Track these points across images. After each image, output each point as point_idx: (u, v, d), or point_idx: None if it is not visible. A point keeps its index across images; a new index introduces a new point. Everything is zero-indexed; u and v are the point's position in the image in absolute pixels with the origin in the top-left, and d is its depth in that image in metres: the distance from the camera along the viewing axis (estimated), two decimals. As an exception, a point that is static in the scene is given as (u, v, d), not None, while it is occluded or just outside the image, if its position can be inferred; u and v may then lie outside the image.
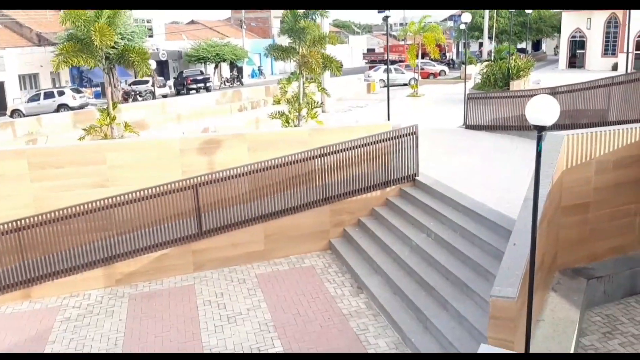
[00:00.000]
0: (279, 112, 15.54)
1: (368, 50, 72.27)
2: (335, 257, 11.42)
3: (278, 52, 15.77)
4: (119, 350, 8.30)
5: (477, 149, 15.28)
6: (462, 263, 8.97)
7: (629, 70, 27.39)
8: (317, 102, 16.26)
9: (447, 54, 60.99)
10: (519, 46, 59.74)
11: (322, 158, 11.55)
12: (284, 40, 16.71)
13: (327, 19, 21.44)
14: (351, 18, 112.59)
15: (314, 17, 15.57)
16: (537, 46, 74.11)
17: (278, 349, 8.11)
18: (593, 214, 9.24)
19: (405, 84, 35.27)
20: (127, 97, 34.25)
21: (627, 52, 30.69)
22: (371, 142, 11.87)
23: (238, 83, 46.58)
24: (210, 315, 9.22)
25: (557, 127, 13.04)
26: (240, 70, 52.22)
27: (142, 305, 9.73)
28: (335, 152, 11.61)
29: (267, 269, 11.01)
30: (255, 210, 11.26)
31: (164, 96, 34.82)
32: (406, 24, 57.18)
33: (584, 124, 13.93)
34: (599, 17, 43.80)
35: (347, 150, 11.68)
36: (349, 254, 11.04)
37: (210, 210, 11.03)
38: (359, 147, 11.78)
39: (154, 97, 33.65)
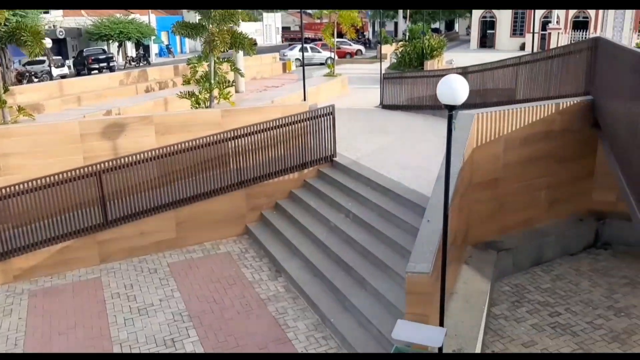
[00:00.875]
0: (188, 92, 15.11)
1: (283, 28, 71.81)
2: (253, 241, 11.40)
3: (186, 30, 15.24)
4: (19, 351, 7.85)
5: (394, 128, 15.73)
6: (380, 242, 9.27)
7: (535, 50, 29.17)
8: (230, 82, 15.96)
9: (365, 33, 61.97)
10: (433, 26, 61.85)
11: (236, 140, 11.43)
12: (194, 17, 16.18)
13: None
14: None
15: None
16: (450, 26, 77.08)
17: (193, 338, 8.01)
18: (502, 189, 9.85)
19: (322, 63, 35.50)
20: (21, 78, 31.96)
21: (533, 33, 32.66)
22: (287, 123, 11.89)
23: (144, 62, 44.74)
24: (119, 309, 8.93)
25: (468, 106, 13.64)
26: (146, 48, 50.17)
27: (44, 302, 9.24)
28: (249, 134, 11.52)
29: (180, 258, 10.79)
30: (165, 196, 10.97)
31: (63, 77, 32.85)
32: (321, 2, 57.35)
33: (494, 102, 14.75)
34: (508, -2, 46.26)
35: (262, 131, 11.63)
36: (266, 238, 11.06)
37: (116, 198, 10.61)
38: (275, 128, 11.76)
39: (51, 78, 31.66)
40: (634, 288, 9.21)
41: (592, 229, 10.72)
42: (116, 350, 7.84)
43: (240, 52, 20.45)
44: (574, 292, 9.10)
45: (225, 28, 15.24)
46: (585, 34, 35.88)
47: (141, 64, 43.57)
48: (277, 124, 11.77)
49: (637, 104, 7.15)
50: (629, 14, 23.69)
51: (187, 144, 11.01)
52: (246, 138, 11.51)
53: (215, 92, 15.56)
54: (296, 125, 11.99)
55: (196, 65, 15.76)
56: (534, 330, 8.05)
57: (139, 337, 8.13)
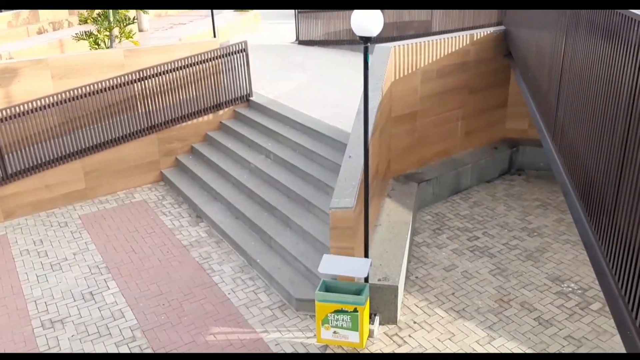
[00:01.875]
0: (85, 32, 14.16)
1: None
2: (170, 188, 11.19)
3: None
4: None
5: (311, 65, 15.66)
6: (302, 180, 9.39)
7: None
8: (131, 19, 15.10)
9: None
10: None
11: (143, 82, 10.96)
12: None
13: None
14: None
15: None
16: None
17: (113, 290, 7.90)
18: (420, 121, 10.18)
19: (231, -1, 34.29)
20: None
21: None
22: (197, 62, 11.52)
23: (32, 0, 41.32)
24: (30, 266, 8.59)
25: (386, 39, 13.85)
26: (32, -16, 46.12)
27: (-60, 267, 8.70)
28: (157, 75, 11.08)
29: (92, 209, 10.44)
30: (69, 145, 10.44)
31: None
32: None
33: (411, 35, 14.97)
34: None
35: (171, 71, 11.22)
36: (184, 184, 10.89)
37: (15, 150, 9.99)
38: (184, 67, 11.37)
39: None
40: (545, 210, 9.99)
41: (506, 156, 11.40)
42: (31, 307, 7.60)
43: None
44: (490, 217, 9.75)
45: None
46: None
47: (28, 2, 40.06)
48: (187, 62, 11.38)
49: (544, 30, 7.53)
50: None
51: (88, 87, 10.44)
52: (154, 79, 11.07)
53: (116, 31, 14.70)
54: (207, 63, 11.65)
55: (92, 1, 14.75)
56: (454, 254, 8.60)
57: (54, 292, 7.90)
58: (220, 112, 12.02)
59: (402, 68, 9.59)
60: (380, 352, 6.60)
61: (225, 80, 11.95)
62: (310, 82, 13.63)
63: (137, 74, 10.90)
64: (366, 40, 6.18)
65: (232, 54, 11.92)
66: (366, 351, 6.58)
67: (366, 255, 6.98)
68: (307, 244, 8.15)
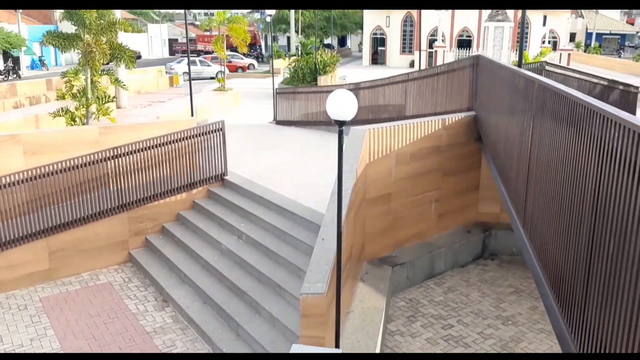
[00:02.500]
0: (62, 108, 14.22)
1: (170, 40, 70.22)
2: (137, 269, 10.87)
3: (58, 40, 14.35)
4: None
5: (288, 145, 15.84)
6: (274, 263, 9.21)
7: (422, 67, 30.84)
8: (110, 97, 15.25)
9: (258, 47, 62.15)
10: (326, 41, 63.45)
11: (116, 159, 10.89)
12: (71, 28, 15.29)
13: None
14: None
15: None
16: (342, 42, 79.53)
17: (69, 382, 7.44)
18: (395, 204, 10.20)
19: (212, 78, 35.06)
20: None
21: (420, 50, 34.58)
22: (173, 140, 11.54)
23: (14, 75, 41.69)
24: (-20, 354, 8.10)
25: (361, 121, 14.14)
26: (16, 60, 46.77)
27: None
28: (131, 153, 11.04)
29: (55, 291, 10.03)
30: (35, 223, 10.17)
31: None
32: (212, 13, 56.81)
33: (386, 118, 15.34)
34: (397, 16, 48.57)
35: (145, 149, 11.19)
36: (152, 265, 10.60)
37: (-23, 228, 9.69)
38: (159, 145, 11.37)
39: None
40: (519, 296, 9.88)
41: (479, 240, 11.40)
42: (-25, 402, 7.08)
43: (123, 65, 19.70)
44: (464, 304, 9.58)
45: (104, 39, 14.59)
46: (469, 52, 38.56)
47: (10, 77, 40.56)
48: (162, 141, 11.39)
49: (513, 117, 7.74)
50: (507, 33, 25.85)
51: (59, 165, 10.32)
52: (127, 157, 11.01)
53: (94, 107, 14.80)
54: (183, 142, 11.68)
55: (72, 78, 14.93)
56: (428, 344, 8.35)
57: (3, 385, 7.41)
58: (194, 191, 11.94)
59: (376, 150, 9.71)
60: None
61: (200, 159, 11.95)
62: (286, 162, 13.71)
63: (111, 151, 10.85)
64: (341, 124, 6.28)
65: (209, 133, 11.99)
66: None
67: (337, 346, 6.72)
68: (276, 331, 7.85)
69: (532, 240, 6.49)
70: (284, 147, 15.55)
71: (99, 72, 15.08)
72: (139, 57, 50.57)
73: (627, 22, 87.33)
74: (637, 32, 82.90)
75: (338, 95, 6.17)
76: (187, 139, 11.71)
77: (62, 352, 8.07)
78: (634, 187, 3.39)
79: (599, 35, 72.77)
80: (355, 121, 9.80)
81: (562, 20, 42.73)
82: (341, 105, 6.14)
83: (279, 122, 20.01)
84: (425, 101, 14.89)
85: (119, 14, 19.69)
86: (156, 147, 11.30)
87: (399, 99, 16.33)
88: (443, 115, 11.52)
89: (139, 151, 11.10)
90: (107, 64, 15.22)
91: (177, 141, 11.58)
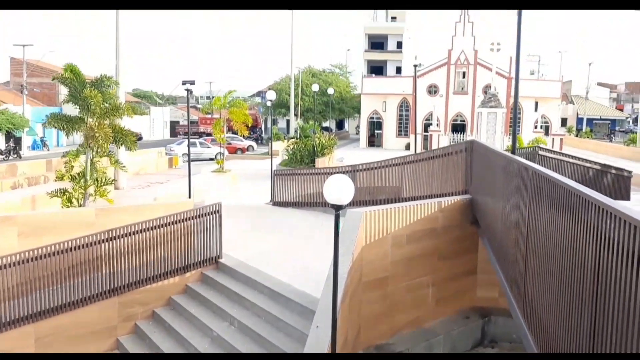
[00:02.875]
0: (60, 190, 14.28)
1: (172, 122, 71.89)
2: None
3: (61, 123, 14.68)
4: None
5: (285, 226, 15.76)
6: (265, 351, 8.88)
7: (418, 150, 31.37)
8: (109, 179, 15.37)
9: (258, 129, 63.52)
10: (324, 124, 64.96)
11: (110, 242, 10.77)
12: (74, 110, 15.68)
13: (123, 88, 20.83)
14: (153, 88, 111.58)
15: (102, 88, 14.96)
16: (340, 125, 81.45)
17: None
18: (392, 287, 10.00)
19: (211, 159, 35.55)
20: None
21: (416, 134, 35.33)
22: (169, 223, 11.47)
23: (15, 155, 42.27)
24: None
25: (358, 203, 14.17)
26: (18, 140, 47.60)
27: None
28: (125, 235, 10.93)
29: (38, 380, 9.61)
30: (23, 308, 9.90)
31: None
32: (213, 97, 58.46)
33: (382, 200, 15.38)
34: (393, 100, 50.04)
35: (140, 232, 11.10)
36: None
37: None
38: (155, 228, 11.28)
39: None
40: (522, 386, 9.47)
41: (478, 327, 11.08)
42: None
43: (123, 147, 20.01)
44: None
45: (107, 122, 14.89)
46: (463, 136, 39.42)
47: (11, 157, 41.11)
48: (158, 223, 11.31)
49: (509, 202, 7.74)
50: (500, 119, 26.54)
51: (51, 247, 10.19)
52: (121, 239, 10.89)
53: (92, 189, 14.87)
54: (179, 224, 11.60)
55: (72, 159, 15.10)
56: None
57: None
58: (187, 274, 11.72)
59: (373, 233, 9.65)
60: None
61: (195, 241, 11.84)
62: (282, 244, 13.58)
63: (105, 234, 10.74)
64: (337, 208, 6.29)
65: (205, 215, 11.94)
66: None
67: None
68: None
69: (532, 328, 6.30)
70: (280, 229, 15.46)
71: (99, 154, 15.28)
72: (140, 138, 51.54)
73: (616, 107, 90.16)
74: (627, 118, 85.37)
75: (335, 180, 6.25)
76: (183, 221, 11.64)
77: None
78: (632, 276, 3.32)
79: (589, 120, 74.80)
80: (353, 202, 9.82)
81: (553, 107, 44.04)
82: (338, 190, 6.22)
83: (276, 204, 20.02)
84: (421, 183, 14.98)
85: (123, 96, 20.28)
86: (151, 229, 11.21)
87: (396, 181, 16.45)
88: (439, 197, 11.55)
89: (133, 234, 11.00)
90: (108, 146, 15.44)
91: (172, 223, 11.51)
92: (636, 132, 46.90)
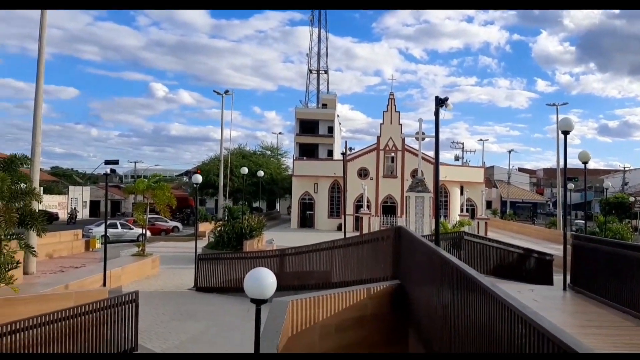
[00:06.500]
0: (-42, 277, 13.23)
1: (93, 201, 69.47)
2: None
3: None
4: None
5: (206, 314, 15.18)
6: None
7: (349, 231, 31.65)
8: (15, 263, 14.40)
9: (186, 210, 62.36)
10: (255, 205, 64.73)
11: (10, 336, 9.89)
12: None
13: (37, 167, 19.97)
14: (74, 166, 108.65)
15: (13, 167, 14.36)
16: (271, 205, 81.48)
17: None
18: (320, 383, 9.67)
19: (133, 240, 34.32)
20: None
21: (345, 216, 35.83)
22: (79, 314, 10.76)
23: None
24: None
25: (287, 288, 13.93)
26: None
27: None
28: (29, 328, 10.10)
29: None
30: None
31: None
32: (138, 176, 57.36)
33: (312, 284, 15.21)
34: (324, 183, 50.92)
35: (46, 324, 10.30)
36: None
37: None
38: (62, 320, 10.53)
39: None
40: None
41: (411, 421, 10.82)
42: None
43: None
44: None
45: (15, 205, 14.18)
46: (394, 218, 40.30)
47: None
48: (66, 314, 10.58)
49: (432, 288, 7.83)
50: (428, 203, 27.52)
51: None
52: (24, 332, 10.03)
53: (-5, 275, 13.84)
54: (91, 315, 10.91)
55: (-27, 243, 14.11)
56: None
57: None
58: (98, 370, 10.92)
59: (299, 323, 9.41)
60: None
61: (109, 333, 11.13)
62: (204, 335, 13.03)
63: (7, 327, 9.89)
64: (259, 302, 6.08)
65: (120, 305, 11.34)
66: None
67: None
68: None
69: None
70: (201, 317, 14.88)
71: (7, 238, 14.41)
72: (55, 218, 49.46)
73: (536, 191, 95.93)
74: (547, 201, 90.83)
75: (256, 274, 6.08)
76: (95, 311, 10.97)
77: None
78: None
79: (512, 202, 78.88)
80: (281, 287, 9.64)
81: (478, 192, 46.20)
82: (259, 284, 6.03)
83: (199, 289, 19.39)
84: (351, 269, 14.99)
85: (37, 178, 19.45)
86: (59, 321, 10.45)
87: (325, 266, 16.39)
88: (368, 284, 11.53)
89: (37, 326, 10.19)
90: (13, 230, 14.60)
91: (84, 314, 10.81)
92: (556, 215, 49.78)
